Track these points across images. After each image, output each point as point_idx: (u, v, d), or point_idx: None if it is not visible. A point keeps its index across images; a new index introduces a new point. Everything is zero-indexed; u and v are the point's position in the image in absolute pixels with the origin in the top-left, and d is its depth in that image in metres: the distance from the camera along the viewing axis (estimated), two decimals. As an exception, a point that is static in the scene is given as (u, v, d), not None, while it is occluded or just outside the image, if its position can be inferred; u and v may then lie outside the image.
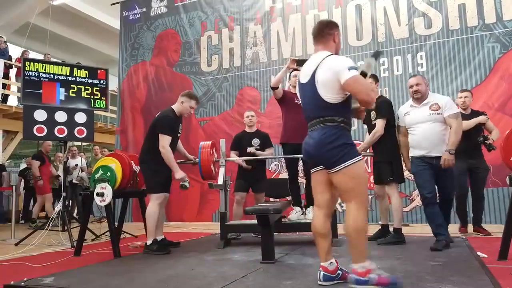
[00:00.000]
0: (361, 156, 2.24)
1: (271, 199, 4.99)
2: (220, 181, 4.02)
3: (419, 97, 3.53)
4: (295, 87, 4.31)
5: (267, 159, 5.31)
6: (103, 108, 5.55)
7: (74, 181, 7.38)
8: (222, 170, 4.08)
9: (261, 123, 6.26)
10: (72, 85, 5.22)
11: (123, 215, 4.46)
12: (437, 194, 3.51)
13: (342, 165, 2.15)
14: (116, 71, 8.41)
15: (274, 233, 3.29)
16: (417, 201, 5.28)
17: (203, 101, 6.90)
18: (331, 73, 2.18)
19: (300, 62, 4.00)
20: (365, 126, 4.38)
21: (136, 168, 4.04)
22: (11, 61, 9.02)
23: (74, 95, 5.23)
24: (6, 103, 8.70)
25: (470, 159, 4.17)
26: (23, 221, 8.19)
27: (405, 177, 3.99)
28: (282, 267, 2.88)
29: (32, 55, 10.20)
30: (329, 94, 2.20)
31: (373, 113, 3.86)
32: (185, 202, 6.78)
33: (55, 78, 5.14)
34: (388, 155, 3.76)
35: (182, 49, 7.49)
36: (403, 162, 3.81)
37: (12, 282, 2.53)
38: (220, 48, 7.19)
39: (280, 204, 3.90)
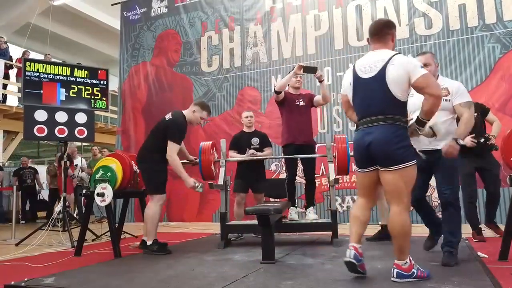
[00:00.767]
0: (415, 160, 2.32)
1: (271, 199, 4.99)
2: (220, 181, 4.03)
3: None
4: (296, 88, 4.33)
5: (266, 159, 5.31)
6: (103, 108, 5.55)
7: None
8: (222, 170, 4.10)
9: (261, 123, 6.27)
10: (72, 86, 5.21)
11: (124, 215, 4.45)
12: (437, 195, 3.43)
13: (402, 165, 2.24)
14: (116, 71, 8.43)
15: (275, 233, 3.29)
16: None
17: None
18: (403, 71, 2.26)
19: (307, 69, 4.02)
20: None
21: (137, 168, 4.03)
22: (12, 61, 9.03)
23: (75, 95, 5.22)
24: (5, 103, 8.71)
25: (478, 158, 3.89)
26: (23, 221, 8.19)
27: None
28: (282, 267, 2.87)
29: (33, 55, 10.21)
30: (399, 92, 2.28)
31: None
32: (186, 202, 6.79)
33: (56, 78, 5.14)
34: None
35: (183, 49, 7.49)
36: None
37: (12, 282, 2.53)
38: (220, 48, 7.20)
39: (280, 204, 3.89)
